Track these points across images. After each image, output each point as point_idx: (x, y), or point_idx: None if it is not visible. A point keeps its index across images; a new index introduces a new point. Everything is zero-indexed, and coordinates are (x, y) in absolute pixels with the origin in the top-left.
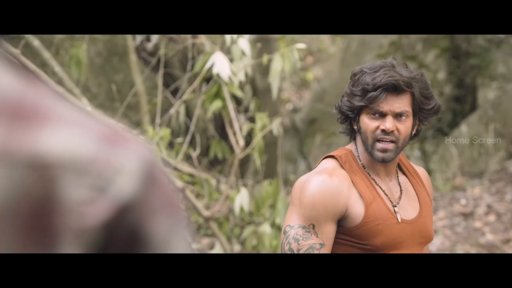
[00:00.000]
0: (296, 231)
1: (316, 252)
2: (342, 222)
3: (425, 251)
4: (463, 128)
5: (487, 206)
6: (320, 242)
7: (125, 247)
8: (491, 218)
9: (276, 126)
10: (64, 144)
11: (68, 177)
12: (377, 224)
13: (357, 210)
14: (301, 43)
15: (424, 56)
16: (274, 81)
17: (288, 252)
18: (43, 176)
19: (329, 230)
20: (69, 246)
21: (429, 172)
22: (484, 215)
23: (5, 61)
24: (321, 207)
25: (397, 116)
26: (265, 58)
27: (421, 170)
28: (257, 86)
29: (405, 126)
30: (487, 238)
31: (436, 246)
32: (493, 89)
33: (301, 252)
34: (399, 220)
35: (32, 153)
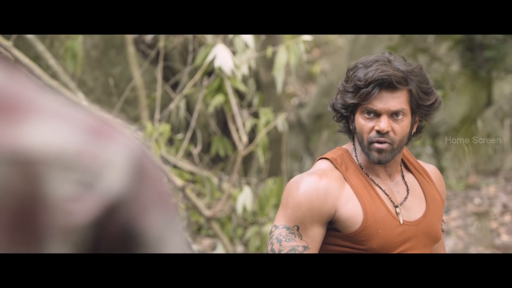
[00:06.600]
0: (280, 232)
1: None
2: (337, 226)
3: (433, 252)
4: (478, 123)
5: (503, 206)
6: (303, 245)
7: (117, 246)
8: (507, 218)
9: (281, 122)
10: (48, 138)
11: (53, 172)
12: (377, 228)
13: (353, 213)
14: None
15: (436, 48)
16: (278, 74)
17: (271, 252)
18: (26, 172)
19: (315, 233)
20: (56, 245)
21: (442, 170)
22: (499, 215)
23: None
24: (306, 209)
25: (393, 115)
26: (269, 51)
27: (431, 168)
28: (261, 80)
29: (402, 126)
30: (503, 239)
31: (449, 247)
32: (509, 83)
33: (282, 253)
34: (401, 222)
35: (14, 148)
